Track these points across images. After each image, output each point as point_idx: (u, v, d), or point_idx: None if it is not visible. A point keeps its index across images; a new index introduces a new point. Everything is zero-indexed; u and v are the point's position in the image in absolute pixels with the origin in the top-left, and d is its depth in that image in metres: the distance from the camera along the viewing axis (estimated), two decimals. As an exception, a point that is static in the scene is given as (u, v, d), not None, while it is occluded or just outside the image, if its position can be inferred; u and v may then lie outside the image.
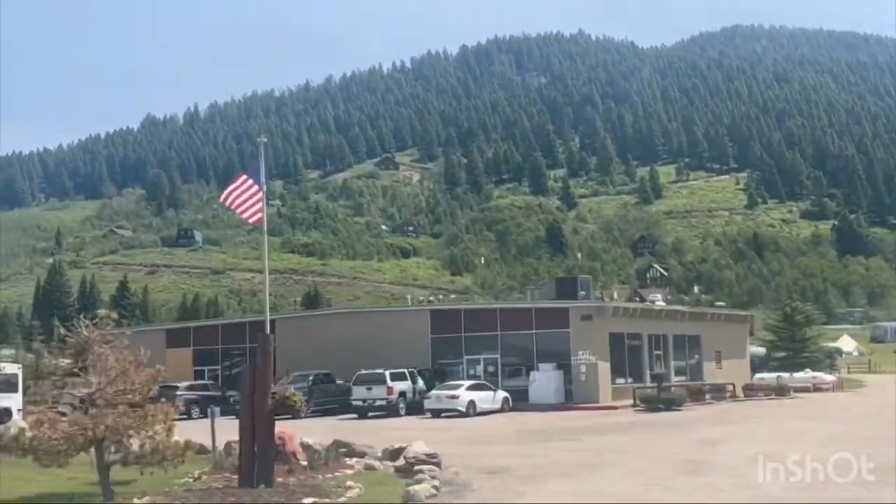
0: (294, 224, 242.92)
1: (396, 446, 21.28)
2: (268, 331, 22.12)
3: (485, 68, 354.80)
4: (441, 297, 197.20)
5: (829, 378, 64.27)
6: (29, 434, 14.97)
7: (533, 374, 48.75)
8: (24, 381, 39.42)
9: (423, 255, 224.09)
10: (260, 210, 21.10)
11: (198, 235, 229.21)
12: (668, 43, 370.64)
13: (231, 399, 41.12)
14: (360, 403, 44.76)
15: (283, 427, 18.54)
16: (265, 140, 26.37)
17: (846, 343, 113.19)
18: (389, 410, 44.47)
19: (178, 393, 42.60)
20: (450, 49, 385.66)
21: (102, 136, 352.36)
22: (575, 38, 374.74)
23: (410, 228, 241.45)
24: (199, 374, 56.74)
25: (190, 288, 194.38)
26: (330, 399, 46.89)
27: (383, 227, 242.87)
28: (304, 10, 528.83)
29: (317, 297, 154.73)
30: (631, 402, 46.95)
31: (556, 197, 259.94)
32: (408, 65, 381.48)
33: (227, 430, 20.41)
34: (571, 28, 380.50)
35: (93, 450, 15.55)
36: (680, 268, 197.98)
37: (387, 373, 45.92)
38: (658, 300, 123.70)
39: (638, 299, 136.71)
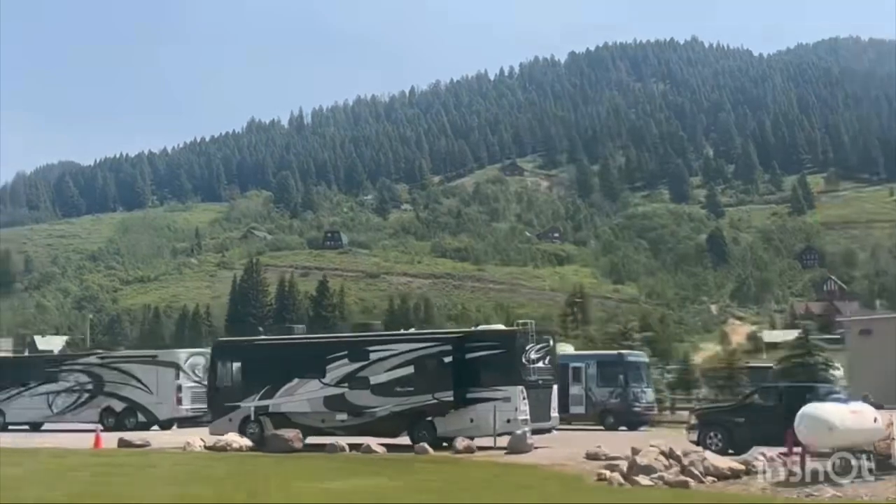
0: (435, 228, 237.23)
1: None
2: None
3: (600, 74, 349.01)
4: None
5: None
6: None
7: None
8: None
9: (577, 261, 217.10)
10: None
11: (344, 238, 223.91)
12: (783, 49, 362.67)
13: None
14: None
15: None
16: None
17: None
18: None
19: None
20: (557, 55, 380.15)
21: (208, 139, 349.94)
22: (690, 44, 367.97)
23: (556, 235, 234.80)
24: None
25: (349, 291, 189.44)
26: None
27: (526, 232, 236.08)
28: (395, 18, 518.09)
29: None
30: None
31: (698, 205, 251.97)
32: (516, 70, 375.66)
33: None
34: (684, 34, 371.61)
35: None
36: (864, 281, 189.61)
37: None
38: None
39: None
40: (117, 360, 44.93)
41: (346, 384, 30.75)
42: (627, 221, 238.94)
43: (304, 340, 35.86)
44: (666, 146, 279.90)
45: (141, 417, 41.84)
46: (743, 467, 20.91)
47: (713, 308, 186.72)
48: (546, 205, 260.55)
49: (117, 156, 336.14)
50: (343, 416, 30.65)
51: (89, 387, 43.11)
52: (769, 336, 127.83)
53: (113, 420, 41.75)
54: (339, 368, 31.25)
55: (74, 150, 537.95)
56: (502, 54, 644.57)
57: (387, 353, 30.68)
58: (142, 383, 42.22)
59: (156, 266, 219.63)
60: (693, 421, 28.55)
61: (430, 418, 29.61)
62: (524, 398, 28.84)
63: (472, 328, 39.75)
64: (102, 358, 45.54)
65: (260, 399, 31.92)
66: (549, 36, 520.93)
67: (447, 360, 29.53)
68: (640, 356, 46.94)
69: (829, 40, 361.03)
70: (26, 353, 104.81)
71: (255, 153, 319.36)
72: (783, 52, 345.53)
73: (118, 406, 42.12)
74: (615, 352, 46.69)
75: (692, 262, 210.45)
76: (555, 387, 31.28)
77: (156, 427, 41.08)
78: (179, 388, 41.53)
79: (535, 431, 28.34)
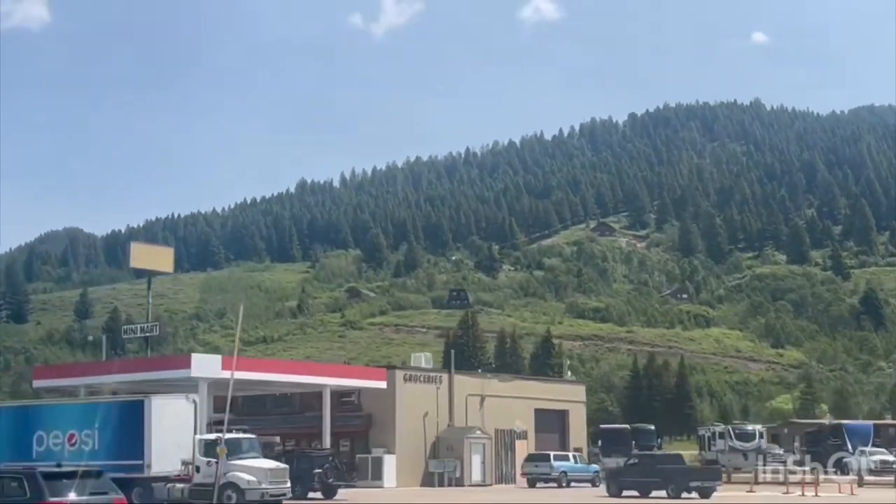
0: (555, 288, 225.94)
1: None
2: None
3: (670, 134, 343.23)
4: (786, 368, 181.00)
5: None
6: None
7: None
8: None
9: (721, 323, 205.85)
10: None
11: (470, 296, 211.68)
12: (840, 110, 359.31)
13: None
14: None
15: None
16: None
17: None
18: None
19: None
20: (615, 117, 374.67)
21: (258, 199, 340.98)
22: (755, 105, 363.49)
23: (684, 295, 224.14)
24: None
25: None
26: None
27: (664, 293, 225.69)
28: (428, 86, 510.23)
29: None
30: None
31: (817, 266, 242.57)
32: (576, 130, 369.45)
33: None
34: (745, 97, 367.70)
35: None
36: None
37: None
38: None
39: None
40: None
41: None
42: (757, 283, 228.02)
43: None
44: (770, 206, 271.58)
45: None
46: None
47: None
48: (657, 265, 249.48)
49: (170, 216, 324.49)
50: None
51: None
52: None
53: None
54: None
55: (84, 216, 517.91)
56: (547, 119, 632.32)
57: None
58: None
59: (271, 326, 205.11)
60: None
61: None
62: None
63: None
64: None
65: None
66: (598, 98, 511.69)
67: None
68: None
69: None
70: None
71: (322, 212, 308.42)
72: (863, 109, 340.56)
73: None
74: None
75: (849, 325, 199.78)
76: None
77: None
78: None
79: None
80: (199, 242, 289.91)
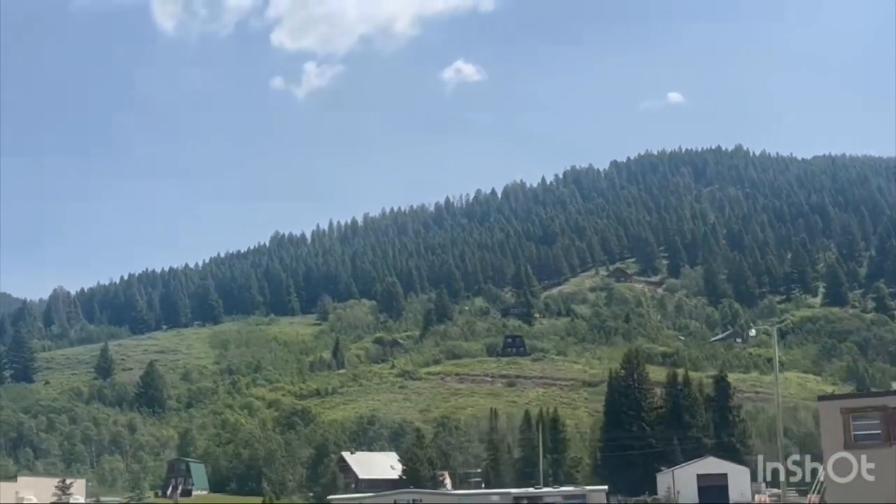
0: (606, 333, 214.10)
1: None
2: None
3: (661, 180, 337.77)
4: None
5: None
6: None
7: None
8: None
9: (792, 367, 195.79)
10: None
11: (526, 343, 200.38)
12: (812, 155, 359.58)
13: None
14: None
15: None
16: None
17: None
18: None
19: None
20: (596, 165, 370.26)
21: (233, 252, 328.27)
22: (739, 150, 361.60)
23: (738, 339, 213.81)
24: None
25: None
26: None
27: (710, 337, 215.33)
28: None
29: None
30: None
31: (855, 308, 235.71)
32: (560, 176, 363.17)
33: None
34: (728, 143, 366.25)
35: None
36: None
37: None
38: None
39: None
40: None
41: None
42: (810, 325, 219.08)
43: None
44: (790, 249, 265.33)
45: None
46: None
47: None
48: (693, 310, 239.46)
49: (145, 272, 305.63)
50: None
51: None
52: None
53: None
54: None
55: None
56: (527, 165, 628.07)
57: None
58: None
59: (315, 379, 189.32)
60: None
61: None
62: None
63: None
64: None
65: None
66: (578, 145, 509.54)
67: None
68: None
69: None
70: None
71: (318, 263, 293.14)
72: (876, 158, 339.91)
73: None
74: None
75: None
76: None
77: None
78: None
79: None
80: (196, 296, 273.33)
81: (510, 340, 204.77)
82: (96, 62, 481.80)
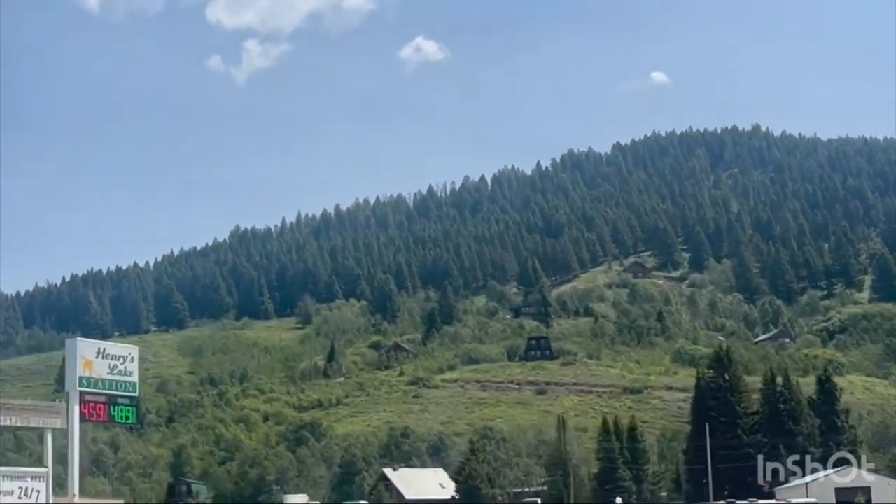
0: (637, 334, 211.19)
1: None
2: None
3: (674, 163, 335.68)
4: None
5: None
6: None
7: None
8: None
9: (852, 370, 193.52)
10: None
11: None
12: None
13: None
14: None
15: None
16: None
17: None
18: None
19: None
20: (597, 147, 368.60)
21: (174, 253, 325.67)
22: (757, 131, 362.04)
23: (787, 339, 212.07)
24: None
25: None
26: None
27: (754, 338, 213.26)
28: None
29: None
30: None
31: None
32: (557, 161, 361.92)
33: None
34: (744, 123, 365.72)
35: None
36: None
37: None
38: None
39: None
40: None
41: None
42: (867, 323, 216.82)
43: None
44: (828, 238, 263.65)
45: None
46: None
47: None
48: (728, 308, 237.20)
49: (90, 271, 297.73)
50: None
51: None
52: None
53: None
54: None
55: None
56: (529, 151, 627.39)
57: None
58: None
59: (316, 389, 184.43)
60: None
61: None
62: None
63: None
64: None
65: None
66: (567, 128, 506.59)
67: None
68: None
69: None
70: None
71: (291, 261, 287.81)
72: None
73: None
74: None
75: None
76: None
77: None
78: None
79: None
80: (157, 298, 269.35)
81: (534, 343, 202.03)
82: (10, 44, 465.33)
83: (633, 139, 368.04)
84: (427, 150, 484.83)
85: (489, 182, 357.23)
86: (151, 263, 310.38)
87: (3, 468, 48.85)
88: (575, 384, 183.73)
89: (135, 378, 53.89)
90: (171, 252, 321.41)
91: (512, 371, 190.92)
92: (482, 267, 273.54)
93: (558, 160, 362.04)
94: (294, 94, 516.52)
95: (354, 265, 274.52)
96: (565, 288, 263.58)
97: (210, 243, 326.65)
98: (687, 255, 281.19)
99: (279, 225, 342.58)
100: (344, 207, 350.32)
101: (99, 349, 53.32)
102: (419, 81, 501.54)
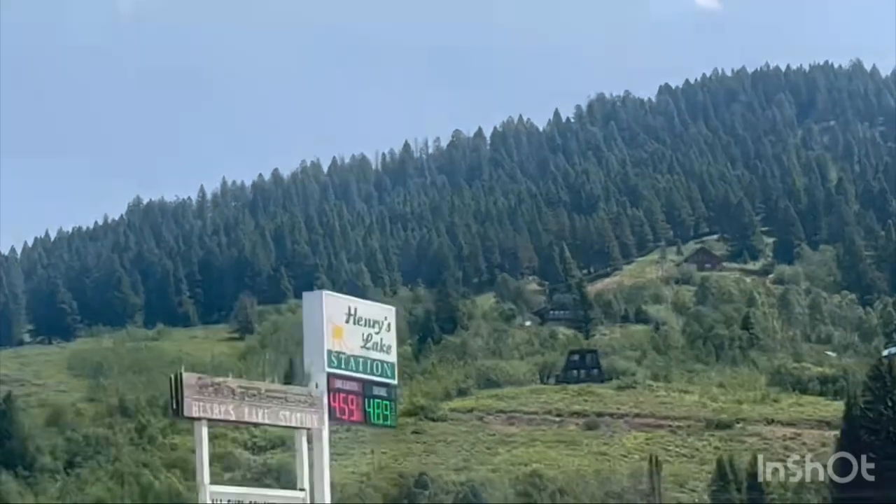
0: (715, 348, 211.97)
1: None
2: None
3: (750, 114, 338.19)
4: None
5: None
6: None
7: None
8: None
9: None
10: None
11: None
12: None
13: None
14: None
15: None
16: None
17: None
18: None
19: None
20: (636, 92, 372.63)
21: (50, 236, 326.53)
22: (858, 69, 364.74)
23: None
24: None
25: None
26: None
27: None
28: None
29: None
30: None
31: None
32: (584, 109, 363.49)
33: None
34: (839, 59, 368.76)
35: None
36: None
37: None
38: None
39: None
40: None
41: None
42: None
43: None
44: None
45: None
46: None
47: None
48: (836, 312, 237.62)
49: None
50: None
51: None
52: None
53: None
54: None
55: None
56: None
57: None
58: None
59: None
60: None
61: None
62: None
63: None
64: None
65: None
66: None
67: None
68: None
69: None
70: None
71: (213, 246, 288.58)
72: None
73: None
74: None
75: None
76: None
77: None
78: None
79: None
80: (33, 298, 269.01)
81: (576, 359, 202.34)
82: None
83: (686, 79, 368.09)
84: (400, 95, 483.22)
85: (488, 139, 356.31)
86: (19, 250, 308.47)
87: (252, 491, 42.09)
88: (637, 416, 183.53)
89: (393, 357, 45.51)
90: (47, 234, 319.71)
91: (549, 397, 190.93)
92: (487, 255, 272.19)
93: (584, 109, 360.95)
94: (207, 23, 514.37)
95: (309, 252, 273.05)
96: (602, 284, 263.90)
97: (100, 222, 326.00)
98: (769, 241, 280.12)
99: (197, 197, 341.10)
100: (286, 173, 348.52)
101: (350, 309, 44.88)
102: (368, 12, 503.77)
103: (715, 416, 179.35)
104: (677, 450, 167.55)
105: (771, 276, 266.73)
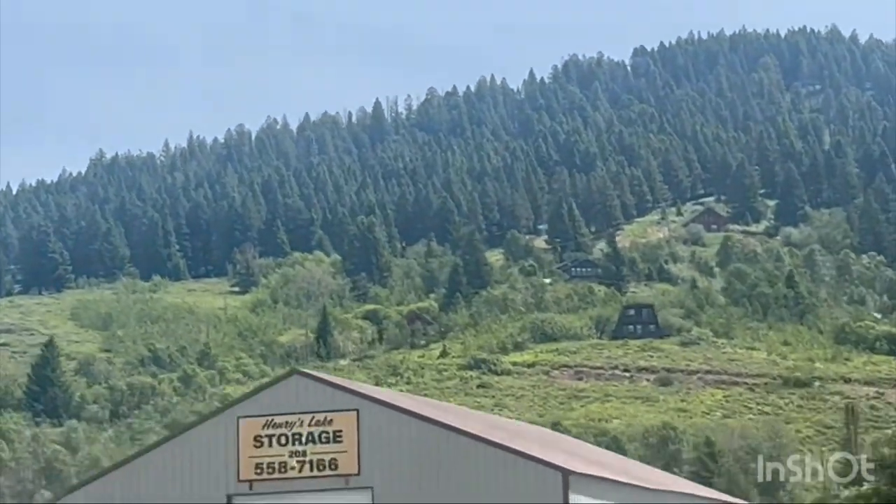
0: (762, 305, 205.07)
1: None
2: None
3: (735, 75, 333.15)
4: None
5: None
6: None
7: None
8: None
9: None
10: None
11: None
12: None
13: None
14: None
15: None
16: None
17: None
18: None
19: None
20: (610, 54, 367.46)
21: (28, 184, 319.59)
22: (835, 34, 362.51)
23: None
24: None
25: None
26: None
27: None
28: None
29: None
30: None
31: None
32: (559, 69, 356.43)
33: None
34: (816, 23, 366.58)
35: None
36: None
37: None
38: None
39: None
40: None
41: None
42: None
43: None
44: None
45: None
46: None
47: None
48: (865, 273, 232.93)
49: None
50: None
51: None
52: None
53: None
54: None
55: None
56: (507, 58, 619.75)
57: None
58: None
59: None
60: None
61: None
62: None
63: None
64: None
65: None
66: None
67: None
68: None
69: None
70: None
71: (201, 199, 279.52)
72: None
73: None
74: None
75: None
76: None
77: None
78: None
79: None
80: (23, 248, 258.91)
81: (632, 314, 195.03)
82: None
83: (661, 42, 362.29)
84: (351, 64, 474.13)
85: (461, 99, 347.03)
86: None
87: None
88: (709, 372, 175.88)
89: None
90: (24, 182, 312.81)
91: (613, 353, 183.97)
92: (486, 210, 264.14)
93: (560, 69, 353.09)
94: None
95: (303, 206, 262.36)
96: (614, 240, 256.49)
97: (77, 172, 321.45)
98: (771, 203, 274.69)
99: (161, 150, 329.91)
100: (253, 129, 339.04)
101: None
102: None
103: (789, 373, 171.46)
104: (759, 408, 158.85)
105: (778, 237, 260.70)
